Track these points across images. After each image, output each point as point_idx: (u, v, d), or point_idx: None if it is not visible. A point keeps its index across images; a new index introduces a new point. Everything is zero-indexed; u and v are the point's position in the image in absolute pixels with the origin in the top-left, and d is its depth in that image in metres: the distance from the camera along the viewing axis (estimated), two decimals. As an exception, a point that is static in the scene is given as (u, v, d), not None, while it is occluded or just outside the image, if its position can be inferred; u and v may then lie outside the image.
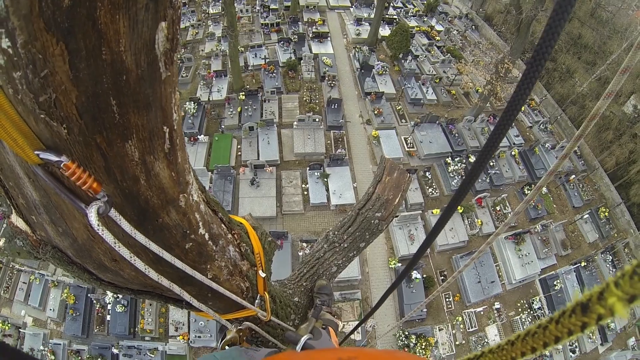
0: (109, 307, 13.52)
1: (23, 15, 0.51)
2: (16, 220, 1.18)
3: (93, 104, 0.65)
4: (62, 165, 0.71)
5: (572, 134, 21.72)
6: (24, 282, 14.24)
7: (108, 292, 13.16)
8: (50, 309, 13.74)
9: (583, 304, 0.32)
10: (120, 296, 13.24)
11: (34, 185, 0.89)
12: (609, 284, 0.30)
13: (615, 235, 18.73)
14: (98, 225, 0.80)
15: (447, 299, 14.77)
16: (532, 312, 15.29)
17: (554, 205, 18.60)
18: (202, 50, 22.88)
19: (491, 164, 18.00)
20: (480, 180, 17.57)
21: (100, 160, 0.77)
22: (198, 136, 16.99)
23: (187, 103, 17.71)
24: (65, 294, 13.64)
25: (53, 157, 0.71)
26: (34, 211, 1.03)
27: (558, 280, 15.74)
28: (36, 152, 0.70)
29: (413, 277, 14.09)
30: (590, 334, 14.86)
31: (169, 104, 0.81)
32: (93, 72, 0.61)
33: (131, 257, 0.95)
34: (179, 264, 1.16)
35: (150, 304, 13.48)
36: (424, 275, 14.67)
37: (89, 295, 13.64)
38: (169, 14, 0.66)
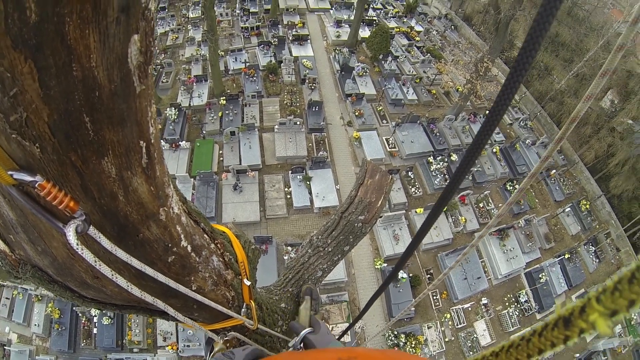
0: (95, 320, 13.29)
1: None
2: (-6, 239, 1.14)
3: (65, 121, 0.64)
4: (36, 185, 0.69)
5: (552, 129, 22.25)
6: (7, 298, 13.90)
7: (92, 308, 13.03)
8: (35, 325, 13.42)
9: (565, 318, 0.32)
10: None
11: (10, 205, 0.87)
12: (590, 299, 0.30)
13: (597, 226, 19.15)
14: (77, 244, 0.78)
15: (435, 297, 14.87)
16: (519, 305, 15.50)
17: (536, 200, 18.92)
18: (182, 55, 22.79)
19: (473, 161, 18.21)
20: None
21: (76, 178, 0.75)
22: (179, 142, 16.85)
23: (168, 109, 17.58)
24: (50, 309, 13.36)
25: (27, 177, 0.69)
26: (11, 230, 1.00)
27: (543, 273, 16.00)
28: (9, 173, 0.68)
29: (400, 277, 14.16)
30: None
31: (144, 118, 0.79)
32: (64, 89, 0.60)
33: (112, 275, 0.93)
34: (162, 278, 1.14)
35: (137, 315, 13.30)
36: (410, 275, 14.75)
37: (74, 308, 13.39)
38: (141, 27, 0.64)
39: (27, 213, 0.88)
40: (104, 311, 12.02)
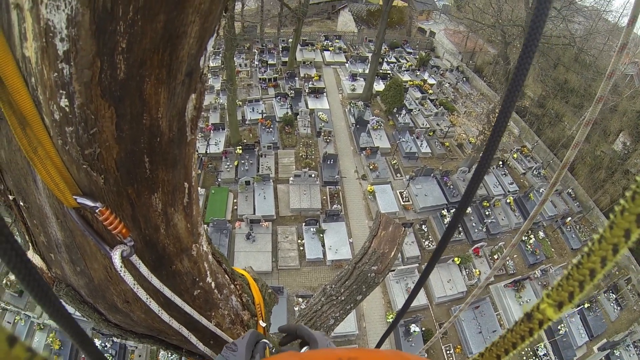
0: (96, 356, 12.93)
1: (84, 82, 0.62)
2: (32, 256, 1.22)
3: (130, 160, 0.77)
4: (97, 210, 0.80)
5: (566, 177, 22.13)
6: (8, 322, 13.46)
7: (96, 341, 12.76)
8: (34, 353, 13.07)
9: (528, 314, 0.42)
10: (108, 345, 12.83)
11: (60, 226, 0.97)
12: (543, 297, 0.40)
13: (617, 273, 18.62)
14: (121, 266, 0.89)
15: (448, 351, 14.42)
16: (537, 359, 14.86)
17: (552, 249, 18.61)
18: (201, 102, 23.27)
19: (487, 213, 18.14)
20: (476, 230, 17.63)
21: (129, 209, 0.87)
22: (195, 189, 17.02)
23: (185, 156, 17.88)
24: (51, 339, 13.02)
25: (89, 203, 0.80)
26: (54, 249, 1.10)
27: (562, 324, 15.37)
28: (74, 197, 0.79)
29: (412, 330, 13.83)
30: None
31: (190, 163, 0.94)
32: (134, 134, 0.73)
33: (147, 299, 1.03)
34: (188, 309, 1.23)
35: (140, 355, 13.06)
36: (423, 328, 14.38)
37: (78, 341, 13.08)
38: (198, 88, 0.80)
39: (76, 234, 0.98)
40: (106, 345, 11.82)
